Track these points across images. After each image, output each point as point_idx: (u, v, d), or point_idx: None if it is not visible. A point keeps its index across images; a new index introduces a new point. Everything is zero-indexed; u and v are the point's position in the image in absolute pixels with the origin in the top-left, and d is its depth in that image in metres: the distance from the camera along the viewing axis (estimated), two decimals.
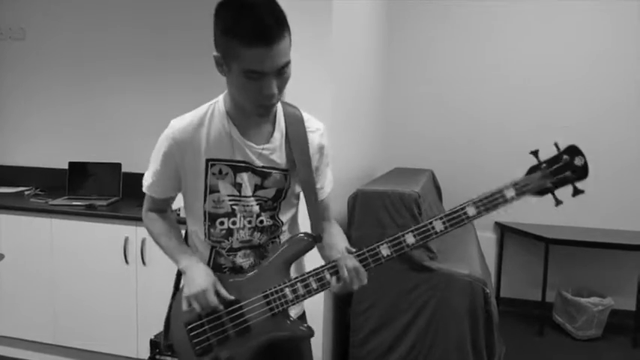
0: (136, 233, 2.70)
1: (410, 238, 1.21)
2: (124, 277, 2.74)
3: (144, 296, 2.72)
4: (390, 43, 3.97)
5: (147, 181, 1.38)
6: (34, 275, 2.89)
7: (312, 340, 1.53)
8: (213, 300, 1.24)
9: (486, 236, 3.81)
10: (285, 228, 1.38)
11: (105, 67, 3.41)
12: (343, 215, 2.50)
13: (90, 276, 2.81)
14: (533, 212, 3.63)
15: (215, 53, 1.15)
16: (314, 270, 1.25)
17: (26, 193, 3.30)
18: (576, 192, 1.19)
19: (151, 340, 2.16)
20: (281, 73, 1.13)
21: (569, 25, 3.64)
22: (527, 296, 3.79)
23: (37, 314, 2.93)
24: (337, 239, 1.36)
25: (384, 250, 1.22)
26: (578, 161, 1.17)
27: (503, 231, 3.77)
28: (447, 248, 2.65)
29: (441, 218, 1.20)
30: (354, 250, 1.23)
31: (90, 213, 2.79)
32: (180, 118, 1.30)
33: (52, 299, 2.89)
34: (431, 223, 1.20)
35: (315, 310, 2.22)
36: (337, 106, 2.39)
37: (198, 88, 3.15)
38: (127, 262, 2.72)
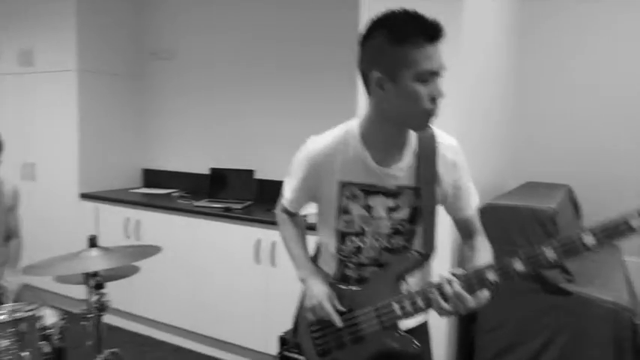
0: (267, 236, 2.87)
1: (519, 265, 1.14)
2: (255, 276, 2.94)
3: (273, 295, 2.89)
4: (522, 50, 3.76)
5: (287, 197, 1.49)
6: (179, 267, 3.22)
7: (435, 354, 1.52)
8: (329, 312, 1.33)
9: (635, 261, 3.41)
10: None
11: (244, 83, 3.69)
12: None
13: (225, 272, 3.06)
14: None
15: (376, 74, 1.19)
16: (423, 288, 1.27)
17: (173, 194, 3.70)
18: None
19: (280, 337, 2.28)
20: (441, 77, 1.19)
21: None
22: None
23: (180, 302, 3.25)
24: (478, 255, 1.35)
25: (491, 275, 1.17)
26: None
27: None
28: (587, 271, 2.43)
29: (554, 247, 1.11)
30: (460, 273, 1.20)
31: (227, 215, 3.04)
32: (316, 141, 1.37)
33: (193, 290, 3.19)
34: (542, 251, 1.12)
35: (439, 323, 2.17)
36: (468, 116, 2.33)
37: (331, 104, 3.28)
38: (258, 261, 2.91)
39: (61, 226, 3.71)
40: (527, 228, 2.21)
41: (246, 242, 2.95)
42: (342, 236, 1.38)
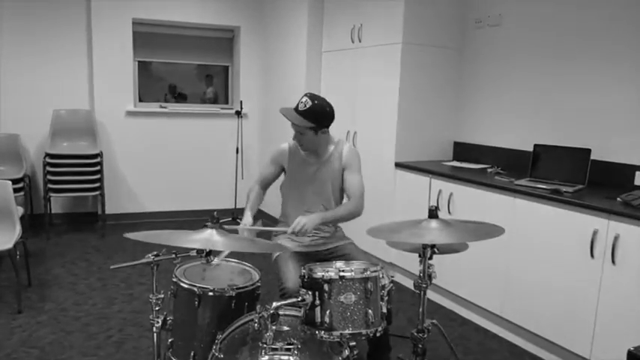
0: (607, 227, 2.44)
1: None
2: (586, 272, 2.55)
3: (609, 297, 2.46)
4: None
5: None
6: (492, 248, 3.05)
7: None
8: None
9: None
10: None
11: (580, 52, 3.19)
12: None
13: (547, 261, 2.75)
14: None
15: None
16: None
17: (489, 170, 3.52)
18: None
19: (630, 352, 1.90)
20: None
21: None
22: None
23: (491, 284, 3.11)
24: None
25: None
26: None
27: None
28: None
29: None
30: None
31: (555, 198, 2.70)
32: None
33: (507, 274, 3.00)
34: None
35: None
36: None
37: None
38: (592, 256, 2.52)
39: (378, 193, 3.98)
40: None
41: (578, 232, 2.57)
42: None
